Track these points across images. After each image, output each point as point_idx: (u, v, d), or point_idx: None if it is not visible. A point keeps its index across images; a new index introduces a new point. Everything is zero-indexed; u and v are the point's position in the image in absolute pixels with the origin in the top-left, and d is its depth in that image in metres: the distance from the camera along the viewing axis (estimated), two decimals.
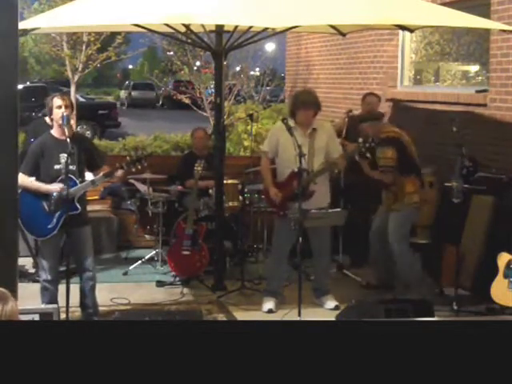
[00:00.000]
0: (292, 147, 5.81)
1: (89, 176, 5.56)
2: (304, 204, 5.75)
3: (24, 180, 5.27)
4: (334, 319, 5.43)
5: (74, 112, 7.23)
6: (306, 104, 6.07)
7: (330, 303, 6.21)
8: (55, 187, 5.36)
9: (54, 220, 5.39)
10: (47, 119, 6.38)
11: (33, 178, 5.42)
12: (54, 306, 4.98)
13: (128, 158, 5.70)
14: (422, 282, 6.31)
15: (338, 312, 5.81)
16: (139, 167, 5.66)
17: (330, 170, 6.23)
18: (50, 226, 5.40)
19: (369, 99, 7.67)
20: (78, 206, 5.38)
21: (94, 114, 21.27)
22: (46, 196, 5.41)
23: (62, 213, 5.36)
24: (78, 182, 5.37)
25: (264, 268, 7.02)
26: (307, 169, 5.88)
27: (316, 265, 6.35)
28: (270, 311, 6.09)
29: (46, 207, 5.41)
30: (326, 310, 6.13)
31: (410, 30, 7.27)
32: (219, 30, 6.76)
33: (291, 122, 6.03)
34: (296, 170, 5.73)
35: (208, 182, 7.27)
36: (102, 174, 5.48)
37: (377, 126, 6.40)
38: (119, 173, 5.57)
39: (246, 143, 11.93)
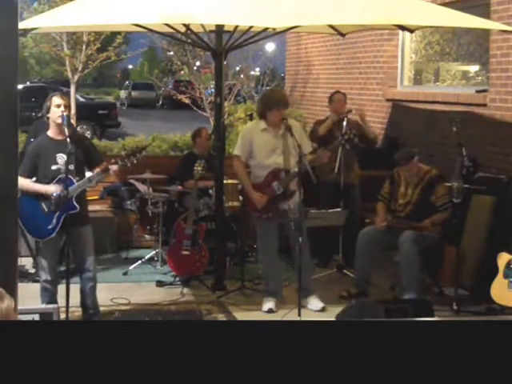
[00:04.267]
0: (266, 147, 5.95)
1: (88, 175, 5.56)
2: (284, 204, 5.81)
3: (22, 182, 5.26)
4: (333, 319, 5.42)
5: (74, 112, 7.23)
6: (278, 103, 6.07)
7: (316, 304, 6.14)
8: (53, 188, 5.35)
9: (54, 220, 5.39)
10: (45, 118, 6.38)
11: (32, 179, 5.42)
12: (54, 306, 4.99)
13: (124, 152, 5.70)
14: (421, 283, 6.30)
15: (324, 314, 5.83)
16: (135, 161, 5.62)
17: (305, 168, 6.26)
18: (49, 227, 5.39)
19: (336, 97, 7.69)
20: (77, 204, 5.38)
21: (93, 114, 21.28)
22: (45, 197, 5.41)
23: (61, 213, 5.36)
24: (75, 181, 5.36)
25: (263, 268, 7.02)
26: (285, 168, 5.93)
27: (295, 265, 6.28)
28: (270, 311, 6.09)
29: (46, 208, 5.40)
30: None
31: (410, 30, 7.27)
32: (219, 30, 6.76)
33: (262, 124, 6.06)
34: (273, 169, 5.86)
35: (208, 182, 7.27)
36: (97, 170, 5.47)
37: (415, 166, 6.40)
38: (114, 167, 5.53)
39: None
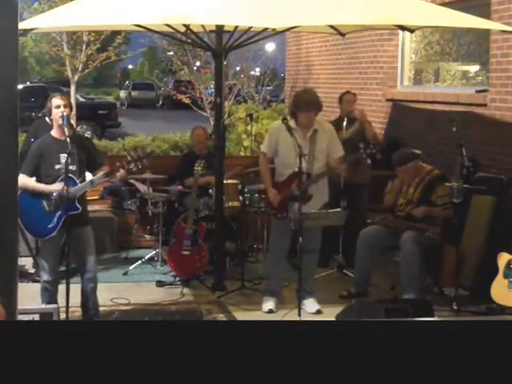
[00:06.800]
0: (291, 147, 5.78)
1: (88, 176, 5.56)
2: (300, 207, 5.74)
3: (25, 181, 5.28)
4: (333, 319, 5.42)
5: (74, 112, 7.22)
6: (308, 105, 5.95)
7: (312, 306, 6.12)
8: (56, 187, 5.34)
9: (55, 220, 5.39)
10: (48, 119, 6.38)
11: (33, 179, 5.43)
12: (54, 305, 4.99)
13: (128, 157, 5.69)
14: (421, 283, 6.29)
15: (320, 317, 5.83)
16: (139, 166, 5.65)
17: (329, 174, 6.21)
18: (50, 226, 5.39)
19: (346, 97, 7.62)
20: (79, 205, 5.38)
21: (93, 114, 21.28)
22: (47, 196, 5.41)
23: (62, 213, 5.36)
24: (78, 181, 5.37)
25: (264, 268, 7.02)
26: (307, 172, 5.84)
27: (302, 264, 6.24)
28: (270, 311, 6.08)
29: (47, 207, 5.40)
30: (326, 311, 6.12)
31: (410, 30, 7.27)
32: (219, 30, 6.76)
33: (292, 123, 5.98)
34: (296, 170, 5.71)
35: (209, 177, 7.24)
36: (101, 173, 5.47)
37: (417, 165, 6.38)
38: (120, 172, 5.54)
39: (245, 143, 11.94)
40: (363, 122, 7.40)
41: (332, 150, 6.08)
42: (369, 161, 6.39)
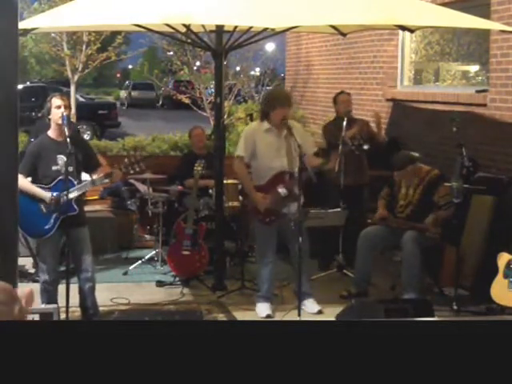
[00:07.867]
0: (272, 148, 5.87)
1: (84, 177, 5.56)
2: (287, 208, 5.76)
3: (22, 182, 5.26)
4: (333, 319, 5.42)
5: (74, 112, 7.22)
6: (283, 102, 5.94)
7: (313, 307, 6.10)
8: (48, 195, 5.35)
9: (52, 220, 5.38)
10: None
11: (29, 179, 5.42)
12: (54, 305, 4.98)
13: (126, 160, 5.69)
14: (421, 283, 6.29)
15: (320, 317, 5.84)
16: (137, 169, 5.66)
17: (323, 171, 6.24)
18: (47, 227, 5.39)
19: (341, 98, 7.57)
20: (76, 206, 5.38)
21: (93, 114, 21.27)
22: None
23: (59, 213, 5.36)
24: (75, 183, 5.37)
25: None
26: (289, 171, 5.87)
27: (295, 266, 6.21)
28: (268, 316, 5.96)
29: (44, 208, 5.40)
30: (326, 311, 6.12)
31: (411, 30, 7.27)
32: (219, 30, 6.77)
33: (265, 124, 5.99)
34: (281, 171, 5.87)
35: (208, 181, 7.27)
36: (101, 175, 5.48)
37: (415, 168, 6.37)
38: (117, 174, 5.57)
39: None
40: (378, 123, 7.47)
41: (306, 148, 5.96)
42: (357, 152, 6.38)
